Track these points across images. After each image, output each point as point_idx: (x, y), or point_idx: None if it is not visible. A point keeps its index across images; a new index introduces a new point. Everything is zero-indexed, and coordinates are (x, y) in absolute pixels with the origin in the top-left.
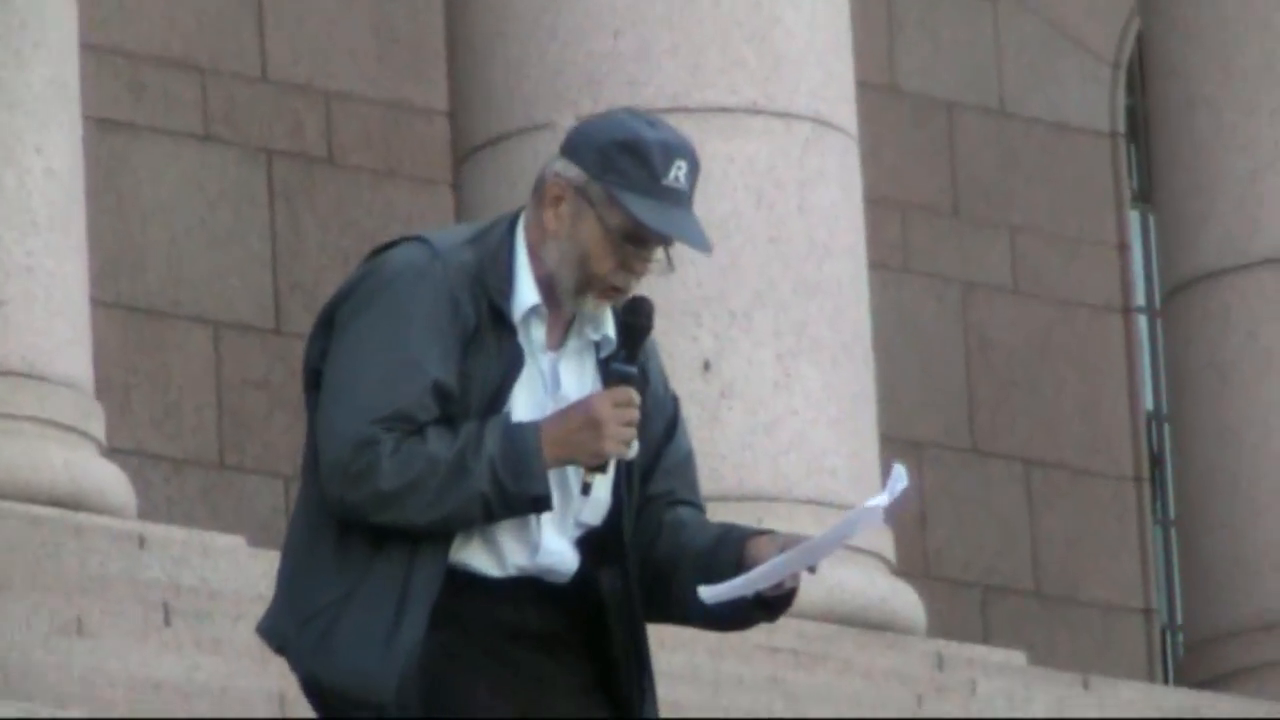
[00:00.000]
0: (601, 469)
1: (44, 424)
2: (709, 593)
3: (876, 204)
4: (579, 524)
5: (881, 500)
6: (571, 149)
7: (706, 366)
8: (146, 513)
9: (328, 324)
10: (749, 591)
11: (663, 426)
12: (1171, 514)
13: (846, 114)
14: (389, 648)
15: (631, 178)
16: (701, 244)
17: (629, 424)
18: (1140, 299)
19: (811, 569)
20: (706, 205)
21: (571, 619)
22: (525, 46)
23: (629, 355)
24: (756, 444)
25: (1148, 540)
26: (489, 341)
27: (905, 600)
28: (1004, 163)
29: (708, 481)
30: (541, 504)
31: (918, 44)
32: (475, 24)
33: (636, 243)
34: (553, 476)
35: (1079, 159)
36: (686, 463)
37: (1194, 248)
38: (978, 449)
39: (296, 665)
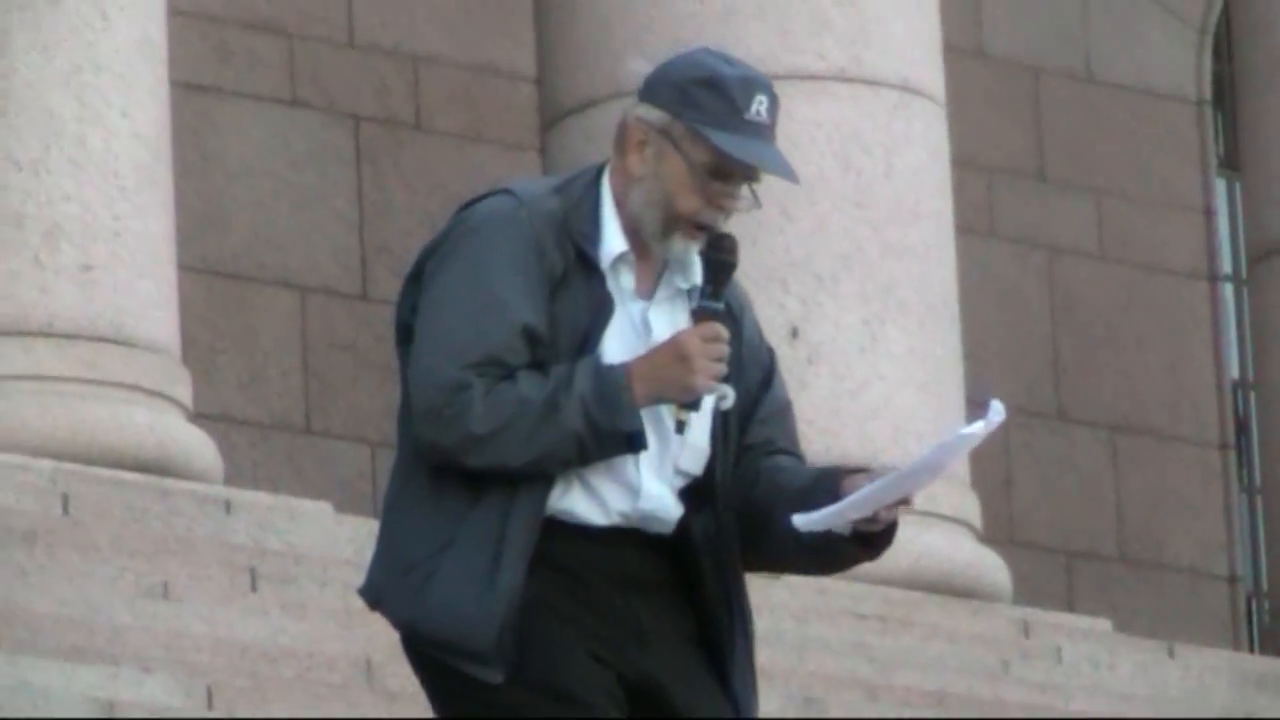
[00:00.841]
0: (694, 406)
1: (130, 388)
2: (803, 520)
3: (962, 167)
4: (680, 472)
5: (977, 429)
6: (650, 91)
7: (795, 334)
8: (232, 477)
9: (417, 278)
10: (843, 522)
11: (759, 376)
12: (1258, 481)
13: (934, 79)
14: (488, 593)
15: (713, 113)
16: (788, 174)
17: (718, 359)
18: (1226, 266)
19: (907, 501)
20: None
21: (672, 567)
22: (611, 10)
23: (715, 291)
24: (843, 409)
25: (1233, 507)
26: (577, 286)
27: (990, 566)
28: (1090, 126)
29: None
30: (635, 441)
31: (1004, 7)
32: None
33: (722, 178)
34: (649, 421)
35: (1165, 123)
36: (784, 412)
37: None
38: (1063, 414)
39: (393, 615)
